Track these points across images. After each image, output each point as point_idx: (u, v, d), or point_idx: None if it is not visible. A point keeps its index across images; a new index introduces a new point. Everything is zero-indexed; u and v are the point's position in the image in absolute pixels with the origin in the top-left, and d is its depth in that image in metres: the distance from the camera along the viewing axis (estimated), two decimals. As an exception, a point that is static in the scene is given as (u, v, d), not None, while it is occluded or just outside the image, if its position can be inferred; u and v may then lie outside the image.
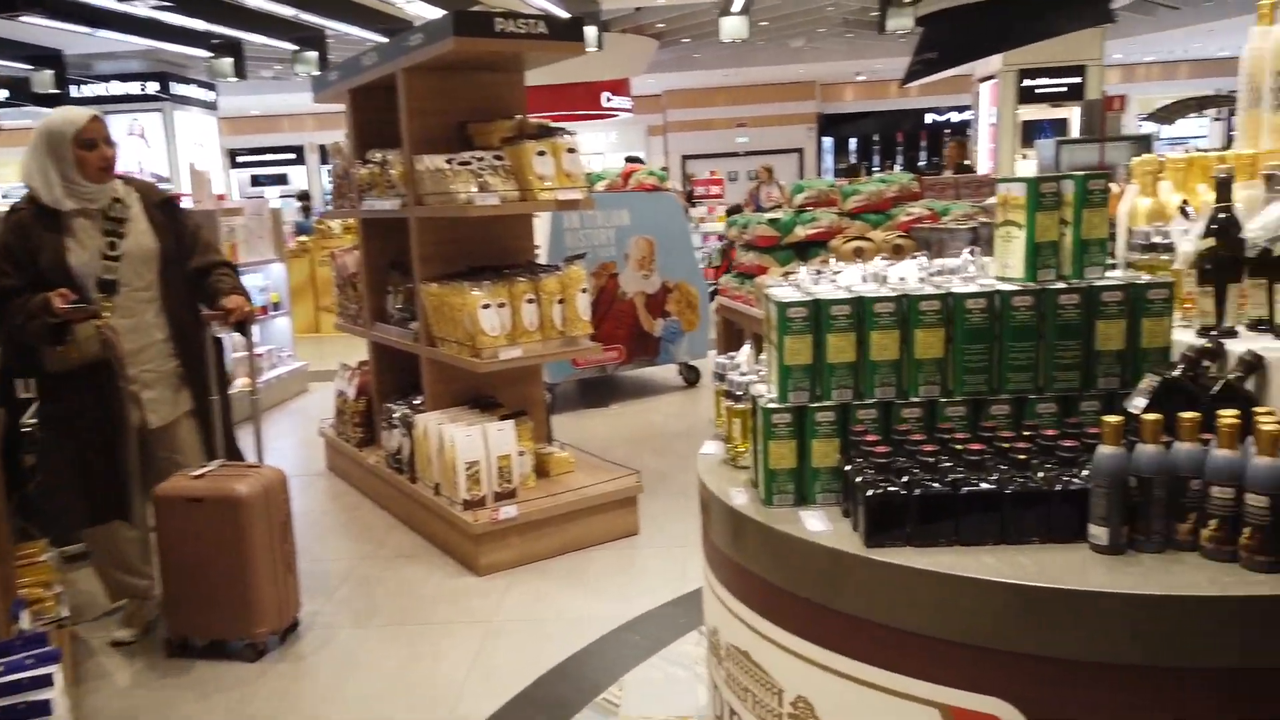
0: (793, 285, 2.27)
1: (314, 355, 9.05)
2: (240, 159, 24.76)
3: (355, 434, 5.29)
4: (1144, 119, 17.90)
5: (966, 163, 9.39)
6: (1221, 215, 1.93)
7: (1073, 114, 16.87)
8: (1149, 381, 1.80)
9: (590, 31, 12.90)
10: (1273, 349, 1.79)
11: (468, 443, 4.05)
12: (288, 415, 7.50)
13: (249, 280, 7.85)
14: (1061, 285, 1.93)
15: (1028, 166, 13.19)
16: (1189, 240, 1.94)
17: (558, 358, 4.48)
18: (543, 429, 4.95)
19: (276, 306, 8.07)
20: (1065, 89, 16.81)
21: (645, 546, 4.36)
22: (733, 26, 14.06)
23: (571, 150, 4.15)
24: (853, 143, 25.31)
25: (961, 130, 21.98)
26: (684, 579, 3.92)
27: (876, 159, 24.88)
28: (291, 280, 9.22)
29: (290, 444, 6.60)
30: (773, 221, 5.31)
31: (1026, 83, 16.87)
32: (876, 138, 25.10)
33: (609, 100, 17.88)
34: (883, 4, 14.50)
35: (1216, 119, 17.92)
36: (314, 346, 9.90)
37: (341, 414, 5.49)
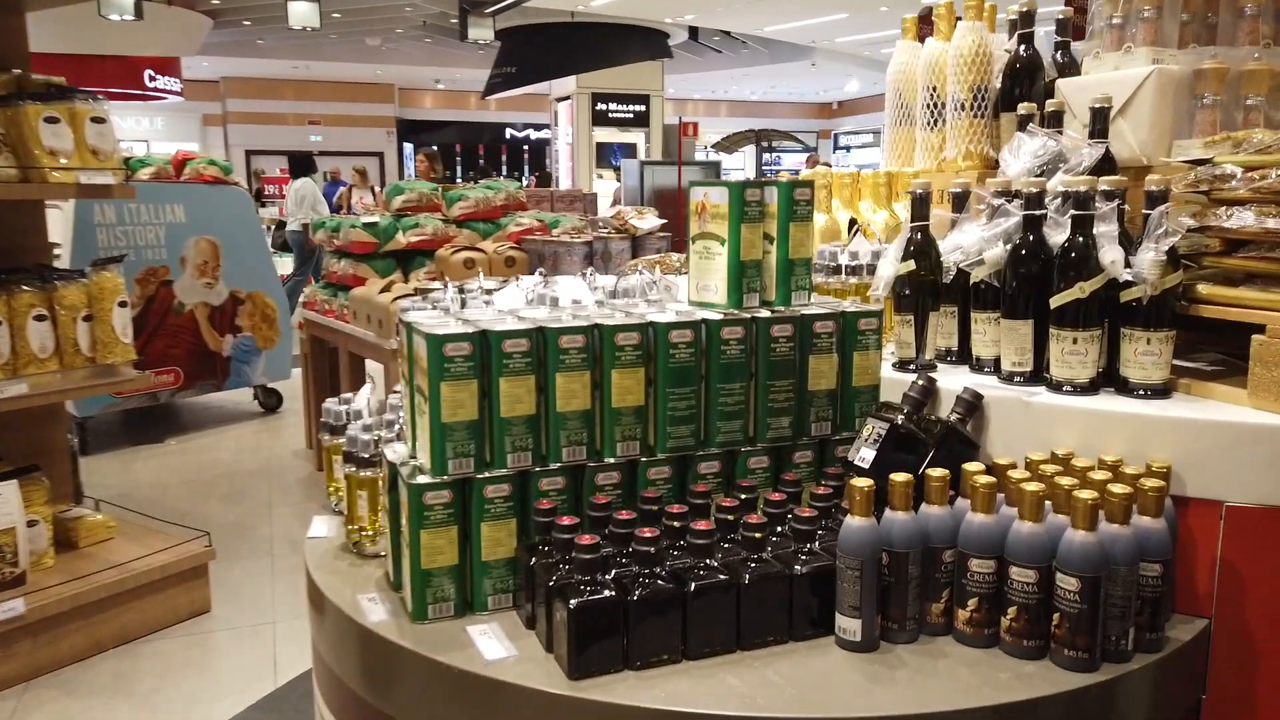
0: (437, 308, 1.71)
1: None
2: None
3: None
4: (710, 148, 19.77)
5: (434, 175, 8.79)
6: (918, 236, 1.75)
7: (640, 139, 18.12)
8: (873, 428, 1.53)
9: (128, -4, 10.95)
10: (986, 385, 1.62)
11: (-59, 521, 2.86)
12: None
13: None
14: (768, 313, 1.61)
15: (606, 186, 13.75)
16: (888, 263, 1.73)
17: (86, 394, 3.40)
18: (67, 484, 3.79)
19: None
20: (632, 115, 18.01)
21: (221, 628, 3.46)
22: (302, 13, 12.86)
23: (99, 120, 3.13)
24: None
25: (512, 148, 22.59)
26: (274, 668, 3.13)
27: (458, 170, 24.69)
28: None
29: None
30: (369, 226, 4.63)
31: (600, 106, 17.80)
32: (459, 148, 24.92)
33: (153, 80, 15.46)
34: (463, 11, 14.26)
35: (766, 150, 20.47)
36: None
37: None
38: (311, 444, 5.47)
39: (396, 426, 1.71)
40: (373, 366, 4.59)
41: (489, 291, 1.90)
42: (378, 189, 11.43)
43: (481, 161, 24.39)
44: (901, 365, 1.78)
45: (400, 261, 4.80)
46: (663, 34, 16.94)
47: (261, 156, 20.54)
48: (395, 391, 1.90)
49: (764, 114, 25.78)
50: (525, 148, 25.43)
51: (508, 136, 25.31)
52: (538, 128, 24.21)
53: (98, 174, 3.15)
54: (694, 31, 17.75)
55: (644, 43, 16.94)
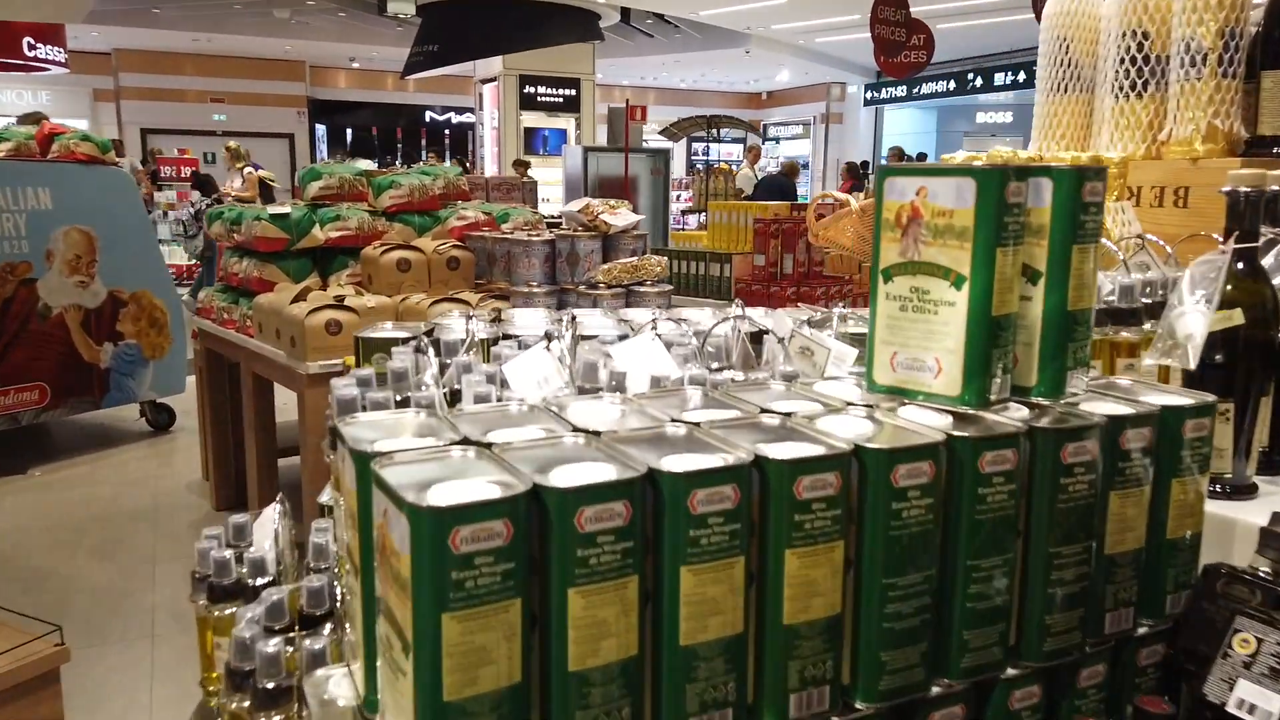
0: (411, 400, 0.91)
1: None
2: None
3: None
4: (658, 133, 18.98)
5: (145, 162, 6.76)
6: (1240, 266, 1.03)
7: (570, 124, 17.24)
8: (1255, 639, 0.80)
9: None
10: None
11: None
12: None
13: None
14: (1047, 419, 0.86)
15: (547, 176, 12.78)
16: (1196, 312, 1.01)
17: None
18: None
19: None
20: (562, 99, 17.19)
21: (74, 760, 2.57)
22: (204, -23, 11.63)
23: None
24: (349, 133, 23.53)
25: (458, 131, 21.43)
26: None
27: (376, 154, 23.40)
28: None
29: None
30: (278, 218, 3.74)
31: (528, 89, 16.94)
32: (375, 130, 23.60)
33: (34, 49, 13.90)
34: (384, -17, 13.23)
35: (702, 139, 19.94)
36: None
37: None
38: (208, 475, 4.56)
39: (325, 607, 0.90)
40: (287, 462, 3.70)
41: (487, 346, 1.10)
42: (253, 170, 9.67)
43: (400, 145, 23.18)
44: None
45: (316, 262, 3.92)
46: (594, 15, 16.12)
47: (159, 135, 18.96)
48: (328, 505, 1.10)
49: (693, 103, 25.12)
50: (447, 131, 24.24)
51: (427, 119, 24.07)
52: (460, 110, 23.03)
53: (-118, 145, 2.22)
54: (626, 13, 16.98)
55: (574, 23, 16.12)
